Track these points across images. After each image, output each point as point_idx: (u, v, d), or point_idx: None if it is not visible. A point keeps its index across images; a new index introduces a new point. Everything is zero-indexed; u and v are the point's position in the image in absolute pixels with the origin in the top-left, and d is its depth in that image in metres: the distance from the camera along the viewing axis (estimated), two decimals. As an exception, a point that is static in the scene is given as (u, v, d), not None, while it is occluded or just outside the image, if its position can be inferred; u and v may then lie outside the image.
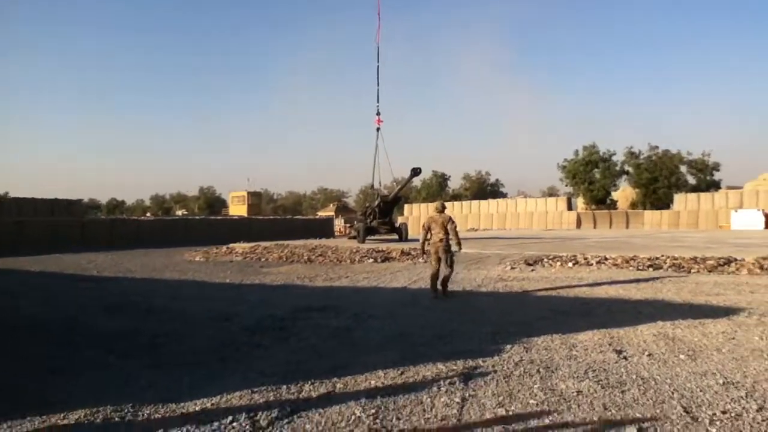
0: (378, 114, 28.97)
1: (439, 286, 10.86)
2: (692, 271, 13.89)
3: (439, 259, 10.71)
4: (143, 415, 4.76)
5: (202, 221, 47.99)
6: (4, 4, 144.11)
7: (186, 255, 24.16)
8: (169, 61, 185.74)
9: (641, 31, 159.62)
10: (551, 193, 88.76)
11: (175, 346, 7.23)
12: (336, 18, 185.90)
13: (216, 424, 4.51)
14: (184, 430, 4.42)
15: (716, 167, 61.11)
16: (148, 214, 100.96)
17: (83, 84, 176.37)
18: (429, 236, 10.88)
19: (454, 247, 10.81)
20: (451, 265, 10.74)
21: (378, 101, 29.31)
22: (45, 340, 7.71)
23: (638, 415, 4.47)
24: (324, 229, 49.53)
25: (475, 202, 65.83)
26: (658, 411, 4.54)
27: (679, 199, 52.84)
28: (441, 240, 10.64)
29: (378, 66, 30.14)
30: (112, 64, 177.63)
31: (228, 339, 7.50)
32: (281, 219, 58.80)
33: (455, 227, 10.82)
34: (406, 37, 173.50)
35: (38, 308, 10.61)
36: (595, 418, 4.43)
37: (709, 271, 13.73)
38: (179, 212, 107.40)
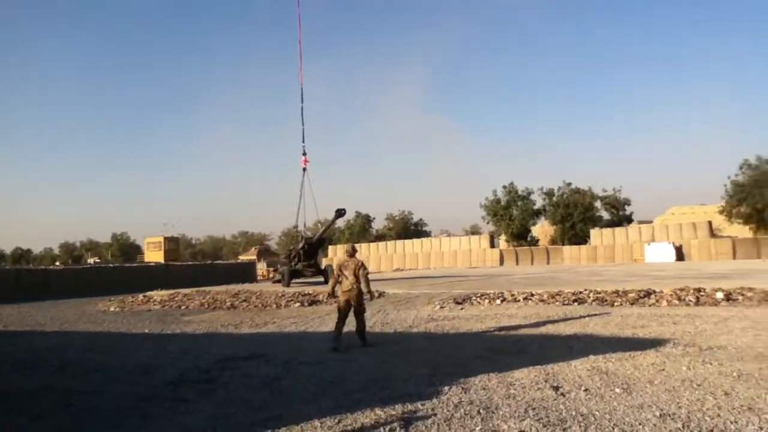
0: (304, 154, 28.86)
1: (345, 337, 10.02)
2: (615, 304, 14.27)
3: (349, 307, 9.98)
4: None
5: (115, 269, 45.78)
6: None
7: (100, 305, 22.85)
8: (80, 99, 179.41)
9: (553, 71, 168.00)
10: (474, 231, 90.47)
11: (92, 403, 6.68)
12: (256, 58, 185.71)
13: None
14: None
15: (627, 202, 64.37)
16: (58, 263, 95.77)
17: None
18: (340, 280, 10.18)
19: (365, 296, 10.17)
20: (363, 312, 10.19)
21: (303, 141, 29.22)
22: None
23: (584, 453, 4.40)
24: (246, 273, 48.27)
25: (399, 242, 66.13)
26: (602, 448, 4.48)
27: (595, 234, 55.07)
28: (352, 287, 9.90)
29: (302, 107, 30.17)
30: (16, 98, 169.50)
31: (149, 393, 7.00)
32: (201, 264, 57.00)
33: (367, 274, 10.08)
34: (328, 77, 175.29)
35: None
36: (542, 459, 4.32)
37: (631, 304, 14.15)
38: (91, 260, 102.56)
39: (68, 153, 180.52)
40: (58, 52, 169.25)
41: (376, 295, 10.99)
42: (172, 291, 24.66)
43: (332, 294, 10.72)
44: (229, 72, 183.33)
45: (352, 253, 10.50)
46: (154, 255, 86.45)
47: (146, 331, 14.00)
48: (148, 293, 24.60)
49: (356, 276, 9.92)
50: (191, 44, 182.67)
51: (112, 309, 21.14)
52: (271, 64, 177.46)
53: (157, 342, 11.92)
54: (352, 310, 10.01)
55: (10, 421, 6.09)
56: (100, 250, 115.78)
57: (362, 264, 10.14)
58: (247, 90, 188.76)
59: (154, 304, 21.24)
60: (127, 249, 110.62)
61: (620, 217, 63.46)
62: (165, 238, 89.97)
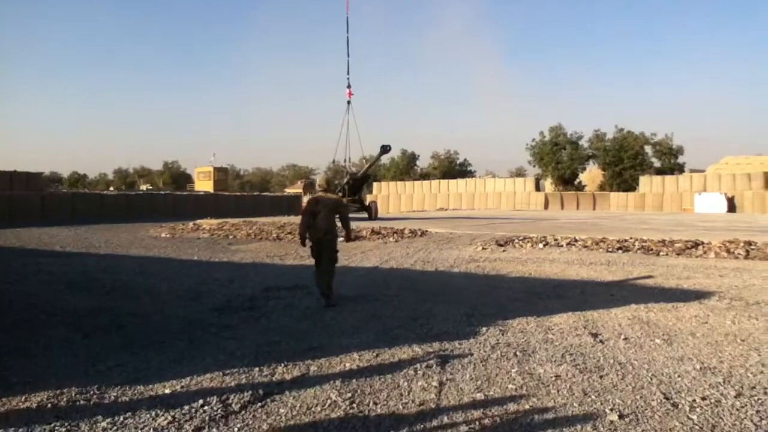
0: (348, 87, 28.65)
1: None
2: (661, 254, 14.03)
3: (320, 254, 8.30)
4: (110, 397, 4.56)
5: (167, 196, 47.02)
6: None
7: (151, 231, 23.64)
8: (133, 32, 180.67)
9: (608, 16, 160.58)
10: (519, 173, 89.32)
11: (142, 325, 6.99)
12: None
13: (186, 407, 4.33)
14: (153, 413, 4.23)
15: (680, 150, 62.25)
16: (112, 189, 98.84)
17: (43, 55, 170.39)
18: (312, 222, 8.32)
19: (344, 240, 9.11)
20: (334, 262, 8.38)
21: (348, 73, 28.96)
22: (5, 319, 7.38)
23: (618, 401, 4.42)
24: (292, 206, 49.05)
25: (444, 182, 65.85)
26: (638, 397, 4.50)
27: (644, 181, 53.63)
28: (327, 228, 8.22)
29: (347, 37, 29.75)
30: (74, 35, 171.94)
31: (197, 319, 7.29)
32: (248, 195, 57.99)
33: (347, 211, 8.79)
34: (375, 10, 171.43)
35: (-3, 284, 10.21)
36: (576, 404, 4.36)
37: (678, 254, 13.88)
38: (143, 187, 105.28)
39: (122, 78, 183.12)
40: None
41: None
42: (220, 220, 25.27)
43: (304, 239, 8.44)
44: (278, 5, 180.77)
45: (328, 187, 8.91)
46: (203, 184, 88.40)
47: (195, 258, 14.45)
48: (198, 221, 25.28)
49: (334, 216, 8.39)
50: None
51: (163, 235, 21.85)
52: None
53: (204, 269, 12.31)
54: (324, 256, 8.27)
55: (65, 336, 6.45)
56: (152, 177, 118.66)
57: (341, 201, 8.81)
58: (295, 18, 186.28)
59: (203, 232, 21.84)
60: (178, 177, 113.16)
61: (672, 165, 61.56)
62: (215, 169, 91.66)
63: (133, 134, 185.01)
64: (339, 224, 8.71)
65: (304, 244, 8.45)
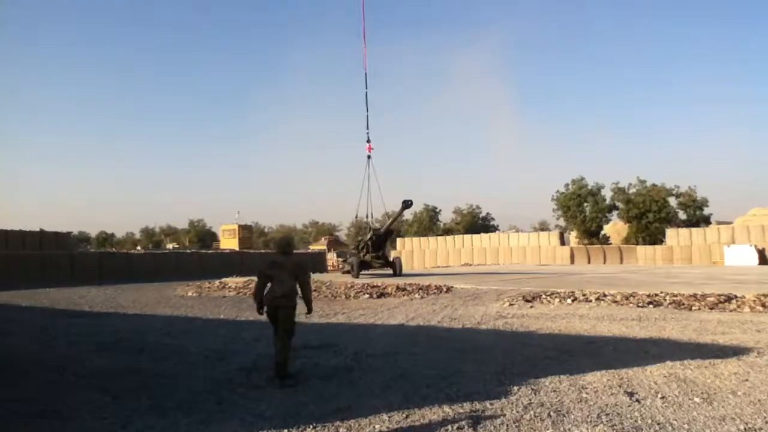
0: (368, 141, 29.01)
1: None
2: (693, 308, 13.71)
3: (276, 321, 7.16)
4: (138, 462, 4.51)
5: (193, 255, 47.55)
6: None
7: (178, 290, 23.79)
8: (160, 93, 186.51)
9: (627, 66, 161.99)
10: (543, 227, 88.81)
11: (170, 386, 6.97)
12: (320, 44, 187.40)
13: (215, 472, 4.27)
14: (182, 479, 4.17)
15: (705, 202, 61.56)
16: (139, 248, 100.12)
17: (70, 111, 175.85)
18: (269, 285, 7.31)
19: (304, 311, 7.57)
20: (290, 336, 7.18)
21: (368, 128, 29.38)
22: (35, 380, 7.42)
23: (660, 464, 4.26)
24: (317, 263, 49.15)
25: (467, 237, 65.60)
26: (680, 460, 4.34)
27: (671, 233, 52.88)
28: (284, 295, 7.11)
29: (366, 92, 30.32)
30: (102, 92, 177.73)
31: (224, 379, 7.25)
32: (273, 253, 58.36)
33: (309, 277, 7.66)
34: (396, 66, 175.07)
35: (28, 345, 10.30)
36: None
37: (711, 309, 13.55)
38: (170, 245, 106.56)
39: (146, 139, 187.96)
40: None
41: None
42: (246, 278, 25.34)
43: (260, 305, 7.30)
44: (297, 59, 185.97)
45: (287, 249, 7.66)
46: (229, 242, 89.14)
47: (221, 316, 14.47)
48: (224, 279, 25.40)
49: (294, 281, 7.24)
50: (261, 33, 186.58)
51: (189, 294, 21.97)
52: (339, 48, 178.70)
53: (231, 328, 12.31)
54: (279, 325, 7.14)
55: (94, 398, 6.45)
56: (178, 236, 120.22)
57: (302, 265, 7.54)
58: (316, 77, 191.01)
59: (229, 291, 21.91)
60: (204, 236, 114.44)
61: (697, 217, 60.76)
62: (239, 226, 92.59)
63: (159, 194, 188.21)
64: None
65: (259, 311, 7.32)
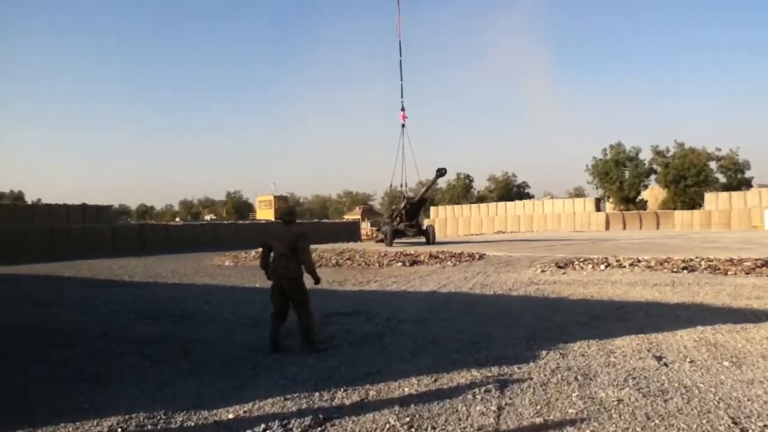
0: (402, 109, 28.83)
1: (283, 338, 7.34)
2: (729, 273, 13.54)
3: (283, 295, 7.15)
4: (176, 422, 4.74)
5: (230, 226, 48.37)
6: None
7: (216, 260, 24.32)
8: (196, 65, 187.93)
9: (664, 29, 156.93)
10: (578, 194, 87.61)
11: (207, 352, 7.23)
12: (353, 14, 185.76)
13: (249, 431, 4.46)
14: (218, 438, 4.38)
15: (746, 165, 59.94)
16: (177, 219, 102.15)
17: (110, 87, 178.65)
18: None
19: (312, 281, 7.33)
20: (303, 306, 7.14)
21: (402, 96, 29.20)
22: (79, 347, 7.76)
23: (683, 425, 4.31)
24: (351, 232, 49.60)
25: (501, 204, 65.26)
26: (704, 422, 4.37)
27: (710, 198, 51.71)
28: (286, 266, 7.05)
29: (401, 60, 30.08)
30: (139, 67, 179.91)
31: (259, 345, 7.47)
32: (308, 223, 58.97)
33: (307, 247, 7.22)
34: (430, 32, 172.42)
35: (72, 314, 10.72)
36: (638, 429, 4.28)
37: (747, 274, 13.36)
38: (207, 217, 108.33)
39: (183, 114, 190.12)
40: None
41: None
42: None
43: (267, 273, 7.39)
44: (329, 28, 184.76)
45: (289, 218, 7.53)
46: (265, 213, 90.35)
47: (257, 285, 14.77)
48: (260, 249, 25.82)
49: (292, 250, 7.08)
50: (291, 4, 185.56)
51: (226, 263, 22.46)
52: (372, 15, 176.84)
53: (266, 296, 12.49)
54: (290, 299, 7.16)
55: (135, 363, 6.75)
56: (215, 207, 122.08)
57: (302, 234, 7.27)
58: (349, 45, 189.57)
59: (263, 260, 22.26)
60: (240, 207, 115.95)
61: (738, 181, 59.22)
62: (275, 197, 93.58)
63: (197, 166, 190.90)
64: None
65: (269, 278, 7.33)
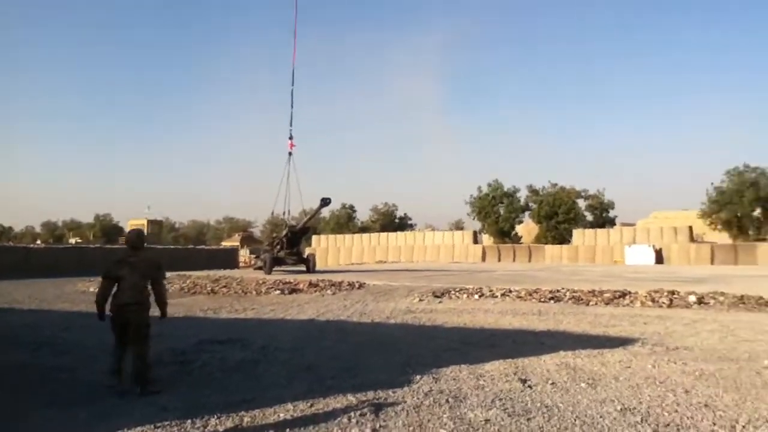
0: (291, 138, 28.75)
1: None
2: (590, 303, 14.54)
3: (124, 329, 6.21)
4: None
5: (97, 250, 45.45)
6: None
7: (79, 285, 22.78)
8: (71, 81, 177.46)
9: (546, 72, 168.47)
10: (459, 227, 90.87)
11: (69, 380, 6.77)
12: (247, 37, 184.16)
13: (112, 463, 4.22)
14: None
15: (611, 205, 65.24)
16: (39, 242, 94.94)
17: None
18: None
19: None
20: (145, 341, 6.27)
21: (291, 124, 29.14)
22: None
23: (544, 442, 4.57)
24: (228, 259, 48.14)
25: (383, 235, 66.37)
26: (562, 438, 4.66)
27: (577, 234, 55.68)
28: (136, 297, 6.19)
29: (292, 89, 30.09)
30: (15, 81, 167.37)
31: (126, 373, 7.08)
32: (183, 249, 56.79)
33: (163, 278, 6.67)
34: (318, 61, 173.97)
35: None
36: (503, 447, 4.48)
37: (606, 304, 14.42)
38: (72, 240, 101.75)
39: (52, 128, 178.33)
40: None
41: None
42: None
43: (102, 309, 6.38)
44: (219, 54, 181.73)
45: (136, 243, 6.60)
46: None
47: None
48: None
49: (146, 282, 6.33)
50: (186, 29, 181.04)
51: (91, 289, 21.05)
52: (262, 44, 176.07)
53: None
54: (130, 332, 6.21)
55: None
56: (82, 230, 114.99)
57: (159, 264, 6.59)
58: (238, 72, 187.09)
59: (135, 287, 21.18)
60: (110, 230, 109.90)
61: (604, 219, 64.30)
62: (148, 221, 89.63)
63: (63, 185, 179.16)
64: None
65: (101, 317, 6.39)
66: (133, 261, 6.33)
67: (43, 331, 10.67)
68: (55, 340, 9.74)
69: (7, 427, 5.03)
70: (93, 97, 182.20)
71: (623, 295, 15.46)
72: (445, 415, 5.28)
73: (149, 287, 6.40)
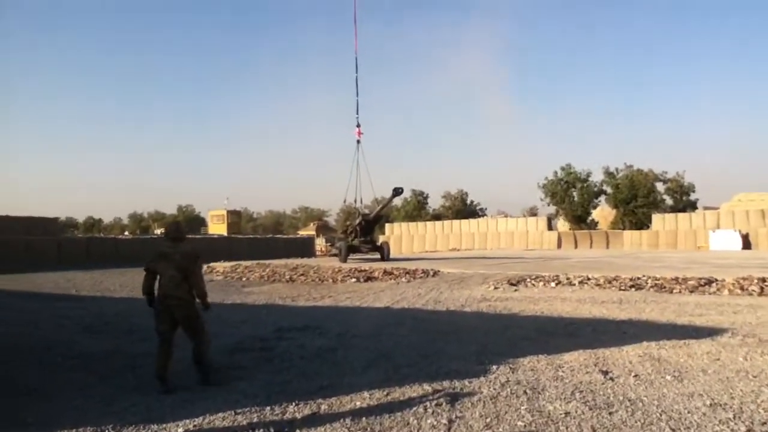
0: (358, 126, 28.83)
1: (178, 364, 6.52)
2: (674, 291, 13.97)
3: (173, 323, 6.35)
4: (123, 437, 4.64)
5: (181, 240, 47.36)
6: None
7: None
8: (149, 77, 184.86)
9: (616, 52, 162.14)
10: (532, 213, 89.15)
11: (153, 367, 7.07)
12: (308, 29, 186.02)
13: (198, 447, 4.40)
14: (166, 453, 4.30)
15: (692, 188, 62.23)
16: (126, 233, 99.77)
17: (58, 97, 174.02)
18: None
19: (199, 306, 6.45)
20: (199, 332, 6.40)
21: (357, 112, 29.17)
22: (23, 362, 7.50)
23: (627, 436, 4.43)
24: (305, 248, 49.21)
25: (456, 222, 65.83)
26: (647, 432, 4.51)
27: (657, 219, 53.39)
28: (175, 290, 6.24)
29: (356, 77, 30.08)
30: (93, 78, 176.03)
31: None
32: (261, 238, 58.37)
33: (200, 270, 6.62)
34: (388, 47, 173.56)
35: (16, 329, 10.35)
36: (585, 440, 4.38)
37: (691, 292, 13.81)
38: (158, 231, 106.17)
39: (135, 126, 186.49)
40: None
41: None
42: (233, 263, 25.39)
43: (150, 297, 6.53)
44: (285, 44, 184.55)
45: (177, 235, 6.61)
46: (217, 227, 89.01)
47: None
48: (212, 264, 25.42)
49: (184, 273, 6.25)
50: (245, 22, 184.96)
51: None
52: (327, 31, 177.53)
53: (217, 311, 12.35)
54: (182, 326, 6.38)
55: (81, 378, 6.57)
56: (166, 221, 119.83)
57: (195, 255, 6.47)
58: (304, 62, 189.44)
59: (217, 275, 21.99)
60: (192, 221, 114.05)
61: (684, 203, 61.38)
62: (228, 212, 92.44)
63: (148, 179, 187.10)
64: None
65: (150, 303, 6.52)
66: (169, 253, 6.33)
67: (133, 319, 11.21)
68: (144, 327, 10.20)
69: (96, 411, 5.31)
70: (164, 93, 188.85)
71: (709, 282, 14.75)
72: (522, 407, 5.20)
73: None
